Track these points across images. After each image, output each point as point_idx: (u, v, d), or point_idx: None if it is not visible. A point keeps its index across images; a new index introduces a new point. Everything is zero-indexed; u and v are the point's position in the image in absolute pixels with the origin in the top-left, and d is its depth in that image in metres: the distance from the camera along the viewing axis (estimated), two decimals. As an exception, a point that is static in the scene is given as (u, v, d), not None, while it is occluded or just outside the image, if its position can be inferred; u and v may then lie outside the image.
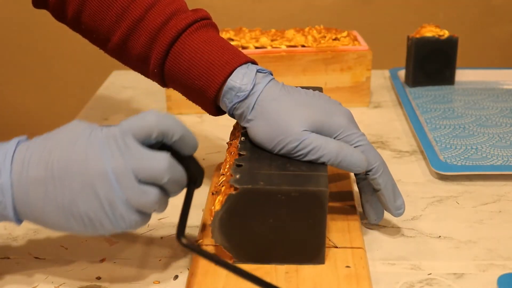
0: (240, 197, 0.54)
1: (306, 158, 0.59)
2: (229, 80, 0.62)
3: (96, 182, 0.50)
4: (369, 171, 0.60)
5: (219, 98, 0.64)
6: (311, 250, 0.57)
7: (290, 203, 0.54)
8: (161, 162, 0.51)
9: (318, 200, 0.54)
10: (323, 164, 0.59)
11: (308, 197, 0.54)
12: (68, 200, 0.51)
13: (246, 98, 0.61)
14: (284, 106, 0.60)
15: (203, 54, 0.63)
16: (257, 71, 0.63)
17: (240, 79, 0.62)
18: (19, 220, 0.53)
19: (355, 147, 0.60)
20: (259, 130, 0.61)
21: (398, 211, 0.63)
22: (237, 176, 0.56)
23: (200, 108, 0.67)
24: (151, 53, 0.65)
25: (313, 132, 0.59)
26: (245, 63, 0.63)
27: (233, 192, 0.54)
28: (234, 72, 0.62)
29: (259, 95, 0.61)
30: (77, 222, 0.51)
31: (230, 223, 0.56)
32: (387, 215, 0.68)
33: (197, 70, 0.63)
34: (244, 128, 0.64)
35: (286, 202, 0.54)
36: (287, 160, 0.59)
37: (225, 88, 0.62)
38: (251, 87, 0.61)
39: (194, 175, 0.55)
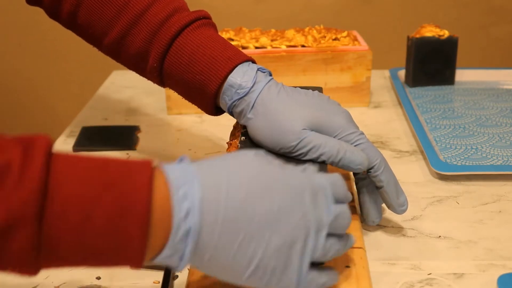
0: None
1: (307, 157, 0.59)
2: (229, 77, 0.62)
3: (298, 236, 0.45)
4: (371, 168, 0.60)
5: (218, 96, 0.63)
6: None
7: None
8: (349, 215, 0.49)
9: None
10: (323, 163, 0.59)
11: None
12: (259, 251, 0.44)
13: (246, 95, 0.61)
14: (284, 105, 0.60)
15: (205, 49, 0.63)
16: (258, 69, 0.63)
17: (241, 76, 0.62)
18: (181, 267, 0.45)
19: (355, 146, 0.60)
20: (259, 129, 0.61)
21: (402, 207, 0.63)
22: None
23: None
24: (151, 47, 0.65)
25: (312, 131, 0.59)
26: (246, 61, 0.63)
27: None
28: (235, 69, 0.62)
29: (259, 93, 0.61)
30: (256, 275, 0.45)
31: None
32: (387, 215, 0.68)
33: (198, 65, 0.63)
34: (244, 128, 0.64)
35: None
36: (287, 160, 0.59)
37: (225, 85, 0.62)
38: (252, 84, 0.61)
39: None
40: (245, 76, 0.62)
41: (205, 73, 0.63)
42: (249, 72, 0.62)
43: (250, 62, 0.64)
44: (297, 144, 0.59)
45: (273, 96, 0.61)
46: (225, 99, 0.63)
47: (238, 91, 0.62)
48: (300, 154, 0.59)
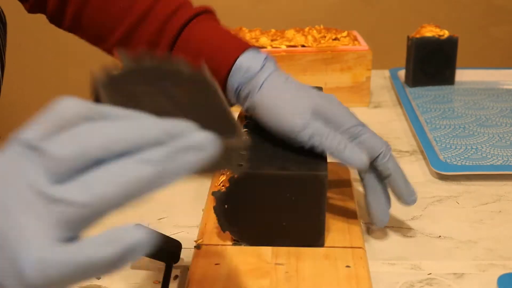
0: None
1: (308, 146, 0.59)
2: (238, 59, 0.62)
3: None
4: (377, 157, 0.60)
5: (226, 83, 0.64)
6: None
7: (290, 188, 0.56)
8: None
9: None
10: (323, 156, 0.59)
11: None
12: None
13: (253, 78, 0.62)
14: (290, 92, 0.61)
15: (213, 39, 0.64)
16: (266, 57, 0.64)
17: (250, 59, 0.62)
18: None
19: (359, 137, 0.60)
20: (265, 110, 0.61)
21: (412, 197, 0.62)
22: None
23: None
24: (160, 40, 0.66)
25: (317, 120, 0.60)
26: (255, 48, 0.64)
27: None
28: (244, 53, 0.63)
29: (267, 77, 0.62)
30: None
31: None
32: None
33: (208, 53, 0.64)
34: (246, 125, 0.64)
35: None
36: (288, 159, 0.59)
37: (233, 68, 0.62)
38: (260, 67, 0.62)
39: (172, 252, 0.57)
40: (254, 60, 0.62)
41: (215, 59, 0.63)
42: (258, 56, 0.63)
43: (259, 50, 0.64)
44: (301, 132, 0.59)
45: (280, 83, 0.61)
46: (232, 82, 0.63)
47: (246, 74, 0.62)
48: (302, 142, 0.59)
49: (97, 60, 1.24)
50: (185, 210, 0.70)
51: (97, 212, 0.30)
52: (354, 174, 0.77)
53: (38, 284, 0.29)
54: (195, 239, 0.61)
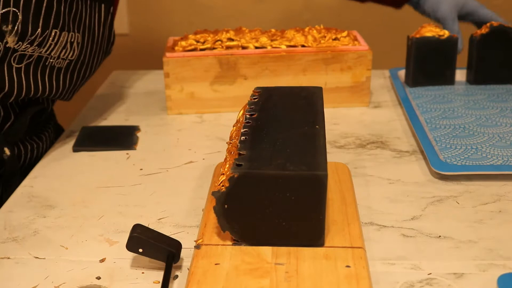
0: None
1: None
2: None
3: None
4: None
5: None
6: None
7: (290, 188, 0.56)
8: None
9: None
10: (323, 155, 0.59)
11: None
12: None
13: None
14: None
15: None
16: None
17: None
18: None
19: None
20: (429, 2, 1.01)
21: None
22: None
23: (200, 107, 0.67)
24: None
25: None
26: None
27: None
28: None
29: None
30: None
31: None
32: (386, 214, 0.68)
33: None
34: (245, 127, 0.64)
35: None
36: (288, 159, 0.59)
37: None
38: None
39: (172, 252, 0.58)
40: None
41: None
42: None
43: None
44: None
45: None
46: None
47: None
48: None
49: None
50: (185, 210, 0.70)
51: None
52: (354, 174, 0.77)
53: None
54: (195, 239, 0.61)
